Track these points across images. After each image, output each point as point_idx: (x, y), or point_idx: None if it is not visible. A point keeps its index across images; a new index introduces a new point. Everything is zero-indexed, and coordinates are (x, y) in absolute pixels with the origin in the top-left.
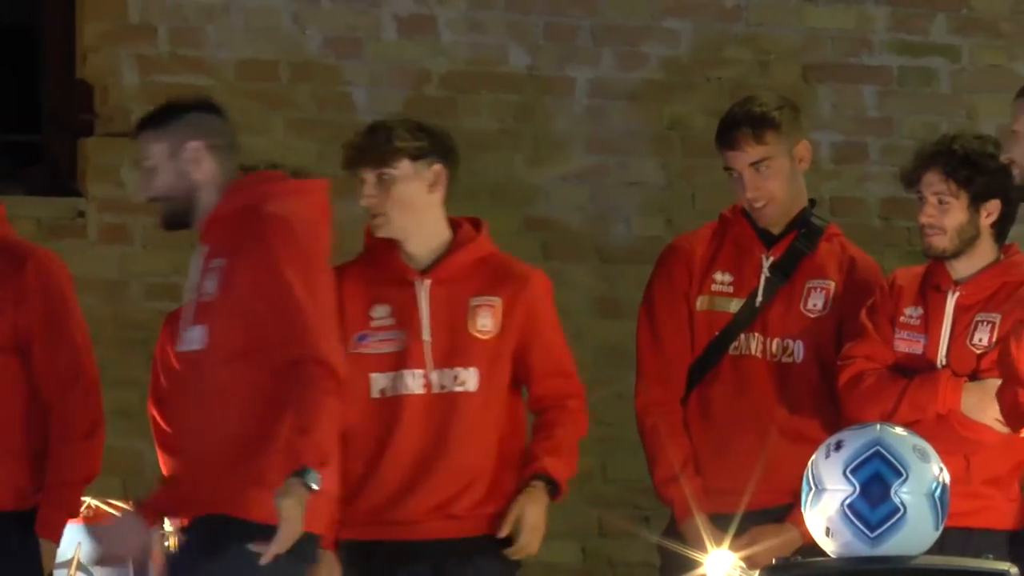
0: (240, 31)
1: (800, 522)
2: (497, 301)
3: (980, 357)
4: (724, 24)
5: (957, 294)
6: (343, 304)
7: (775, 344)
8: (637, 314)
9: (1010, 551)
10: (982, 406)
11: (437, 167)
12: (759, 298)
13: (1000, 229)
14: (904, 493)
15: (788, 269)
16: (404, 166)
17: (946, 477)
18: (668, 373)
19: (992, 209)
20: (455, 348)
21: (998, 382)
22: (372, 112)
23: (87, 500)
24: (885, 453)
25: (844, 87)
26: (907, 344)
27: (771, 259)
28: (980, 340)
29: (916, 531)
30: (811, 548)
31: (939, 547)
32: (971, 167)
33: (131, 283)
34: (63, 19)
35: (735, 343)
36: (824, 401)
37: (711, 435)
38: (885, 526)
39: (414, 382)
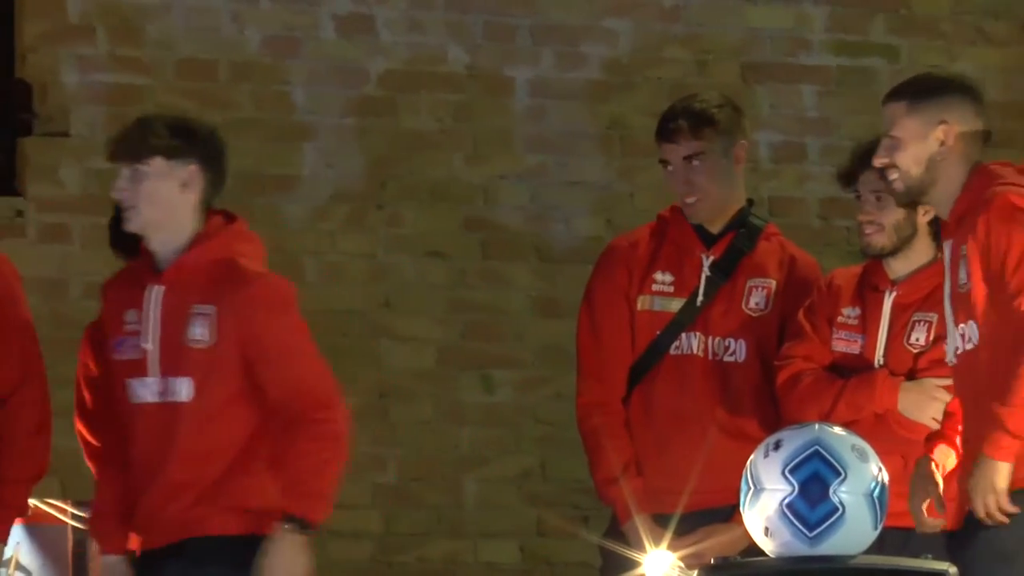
0: (179, 31)
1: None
2: (212, 310)
3: (917, 356)
4: (664, 24)
5: (894, 294)
6: (105, 307)
7: (716, 343)
8: (577, 314)
9: (948, 551)
10: (920, 405)
11: (192, 167)
12: (700, 297)
13: (937, 227)
14: (843, 493)
15: (728, 268)
16: (157, 163)
17: (885, 477)
18: (609, 373)
19: (928, 208)
20: (173, 357)
21: (936, 381)
22: (311, 112)
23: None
24: (824, 453)
25: (783, 87)
26: (845, 344)
27: (711, 258)
28: (917, 340)
29: (855, 531)
30: (754, 548)
31: (878, 547)
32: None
33: (71, 282)
34: (2, 19)
35: (676, 342)
36: (765, 400)
37: (652, 435)
38: (824, 526)
39: (144, 390)
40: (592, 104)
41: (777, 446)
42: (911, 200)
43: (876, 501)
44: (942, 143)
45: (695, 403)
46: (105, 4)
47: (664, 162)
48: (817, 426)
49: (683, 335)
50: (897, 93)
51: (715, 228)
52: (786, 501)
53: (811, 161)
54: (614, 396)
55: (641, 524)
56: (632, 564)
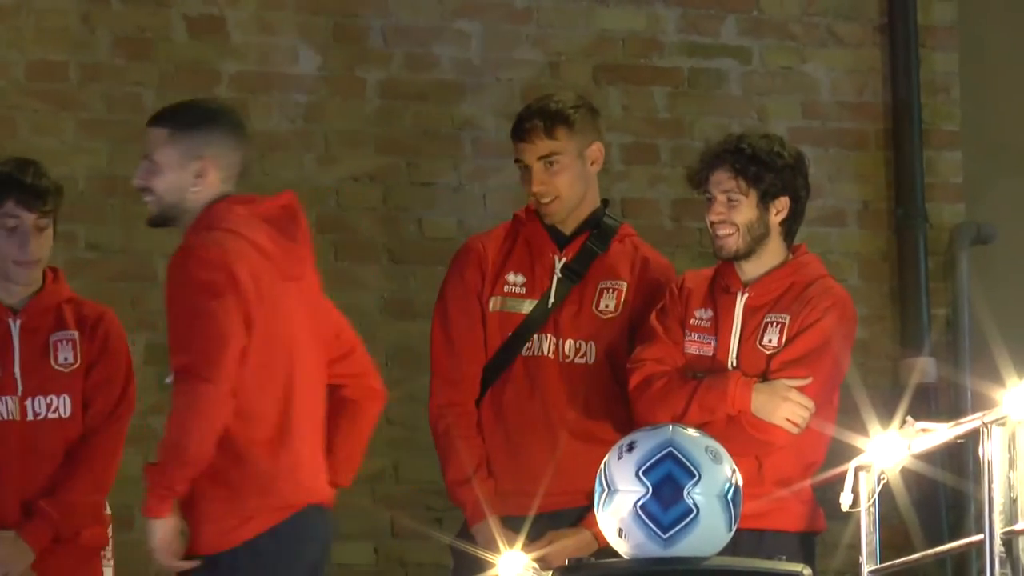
0: (30, 32)
1: (594, 524)
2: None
3: (770, 358)
4: (515, 25)
5: (746, 295)
6: None
7: (567, 345)
8: (430, 315)
9: (801, 552)
10: (772, 407)
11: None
12: (551, 299)
13: (789, 227)
14: (697, 494)
15: (580, 270)
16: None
17: (739, 479)
18: (461, 374)
19: (781, 207)
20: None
21: (788, 382)
22: None
23: None
24: (677, 454)
25: (635, 88)
26: (697, 346)
27: (563, 260)
28: (770, 341)
29: (709, 532)
30: (607, 551)
31: (732, 548)
32: (760, 165)
33: None
34: None
35: (528, 344)
36: (616, 402)
37: (504, 436)
38: (678, 527)
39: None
40: (443, 105)
41: (631, 447)
42: (162, 223)
43: (730, 503)
44: (198, 176)
45: (545, 405)
46: None
47: (519, 162)
48: (671, 428)
49: (535, 337)
50: (159, 119)
51: (568, 229)
52: (640, 502)
53: (663, 162)
54: (467, 398)
55: (492, 526)
56: (485, 565)
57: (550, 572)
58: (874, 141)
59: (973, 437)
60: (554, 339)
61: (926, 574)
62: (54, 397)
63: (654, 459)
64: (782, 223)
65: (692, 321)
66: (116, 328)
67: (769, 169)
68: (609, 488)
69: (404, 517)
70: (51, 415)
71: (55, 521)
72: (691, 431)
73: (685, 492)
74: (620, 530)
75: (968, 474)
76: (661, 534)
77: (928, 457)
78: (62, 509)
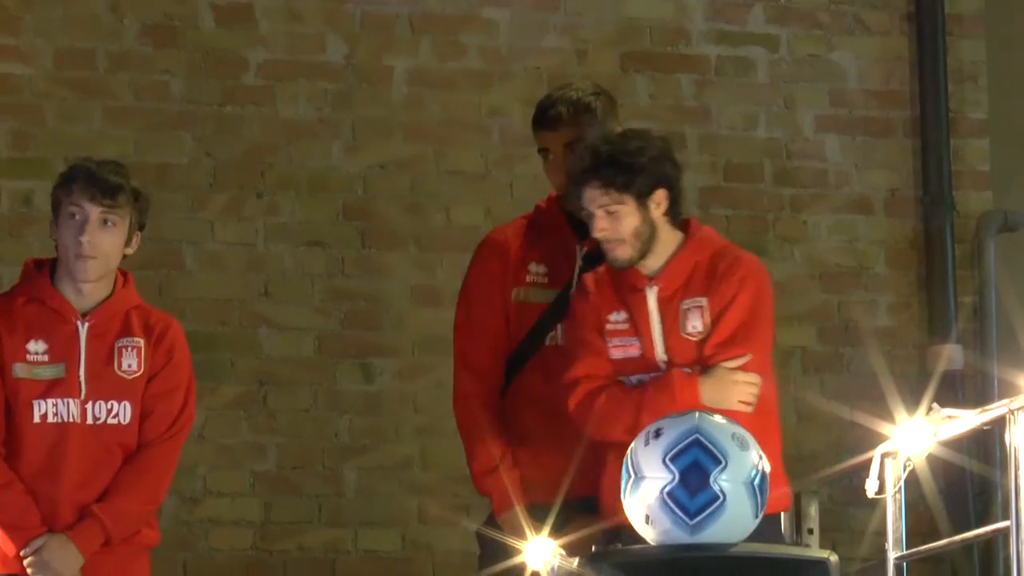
0: (57, 20)
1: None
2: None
3: (700, 344)
4: (542, 14)
5: (655, 288)
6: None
7: None
8: (455, 303)
9: (766, 535)
10: (722, 394)
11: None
12: (573, 288)
13: (674, 212)
14: (723, 481)
15: (602, 259)
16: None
17: (766, 466)
18: (485, 365)
19: (660, 199)
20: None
21: (728, 364)
22: (190, 101)
23: None
24: (704, 441)
25: (662, 77)
26: (622, 350)
27: (584, 249)
28: (694, 327)
29: (735, 519)
30: (631, 535)
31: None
32: (626, 169)
33: None
34: None
35: (552, 333)
36: None
37: (528, 426)
38: (704, 514)
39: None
40: (470, 94)
41: (658, 434)
42: None
43: (756, 489)
44: None
45: None
46: None
47: (543, 150)
48: (698, 415)
49: (559, 327)
50: None
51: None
52: (667, 489)
53: (690, 151)
54: (491, 388)
55: (519, 514)
56: (512, 552)
57: (576, 559)
58: (901, 129)
59: (999, 424)
60: None
61: (952, 561)
62: (115, 403)
63: (681, 446)
64: (666, 213)
65: (608, 326)
66: (181, 339)
67: (635, 170)
68: (636, 475)
69: (431, 504)
70: (111, 420)
71: (107, 527)
72: (718, 418)
73: (711, 479)
74: (647, 516)
75: (994, 461)
76: (688, 520)
77: (954, 444)
78: (114, 516)
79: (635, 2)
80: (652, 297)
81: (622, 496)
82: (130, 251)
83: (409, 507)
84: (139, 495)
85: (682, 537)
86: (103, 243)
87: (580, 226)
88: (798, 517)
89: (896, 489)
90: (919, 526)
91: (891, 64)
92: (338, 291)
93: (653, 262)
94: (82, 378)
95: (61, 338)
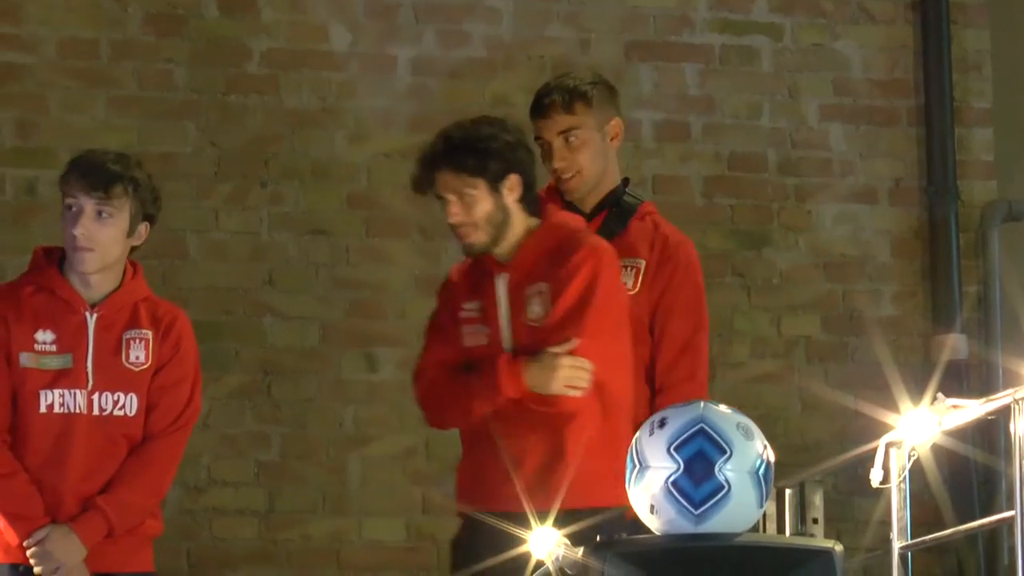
0: (60, 9)
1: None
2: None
3: (541, 330)
4: (546, 2)
5: (505, 276)
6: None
7: None
8: None
9: (626, 528)
10: (545, 379)
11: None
12: None
13: (527, 198)
14: (728, 470)
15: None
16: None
17: (770, 455)
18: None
19: (513, 185)
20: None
21: (553, 350)
22: (194, 90)
23: None
24: (709, 430)
25: (666, 65)
26: (473, 338)
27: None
28: (536, 314)
29: (740, 508)
30: (636, 524)
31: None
32: (478, 154)
33: None
34: None
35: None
36: (639, 380)
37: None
38: (709, 503)
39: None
40: (474, 82)
41: (662, 424)
42: None
43: (762, 479)
44: None
45: None
46: None
47: (539, 139)
48: (702, 404)
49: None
50: None
51: (588, 208)
52: (671, 479)
53: (694, 140)
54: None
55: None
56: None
57: (581, 549)
58: (905, 118)
59: (1004, 414)
60: None
61: (957, 550)
62: (122, 394)
63: (685, 435)
64: (520, 199)
65: (462, 315)
66: (188, 332)
67: (488, 155)
68: (640, 464)
69: (435, 494)
70: (117, 412)
71: (110, 519)
72: (722, 407)
73: (716, 468)
74: (652, 506)
75: (999, 451)
76: (693, 510)
77: (959, 434)
78: (118, 508)
79: None
80: (502, 284)
81: (627, 486)
82: (137, 242)
83: (414, 496)
84: (143, 487)
85: (687, 527)
86: (99, 235)
87: (580, 215)
88: (803, 507)
89: (901, 479)
90: (924, 516)
91: (895, 53)
92: (342, 280)
93: (506, 249)
94: (89, 369)
95: (69, 328)
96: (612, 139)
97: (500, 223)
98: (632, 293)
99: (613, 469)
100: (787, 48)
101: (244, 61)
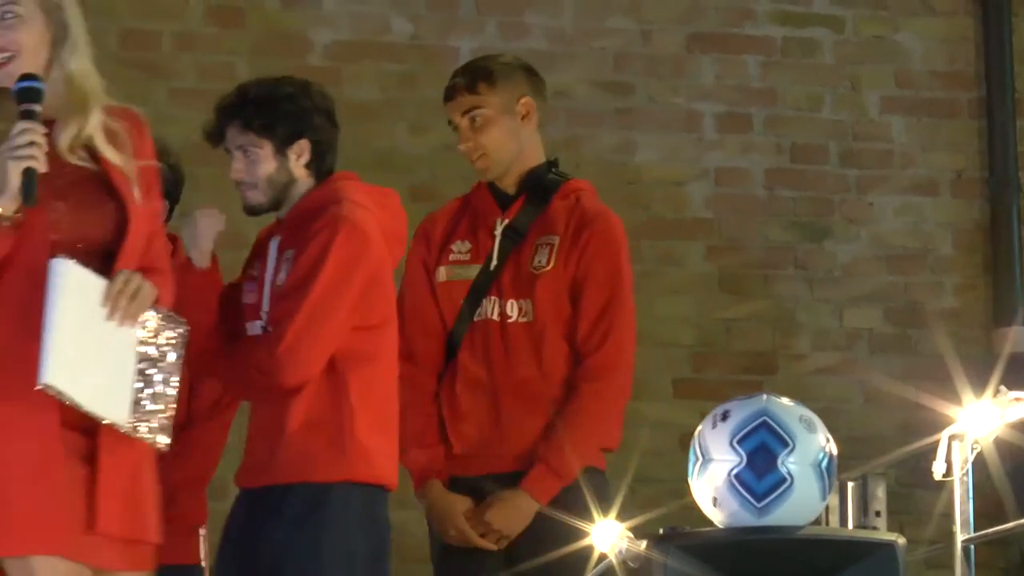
0: (122, 1)
1: (530, 488)
2: None
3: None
4: None
5: (278, 239)
6: None
7: (510, 306)
8: None
9: (315, 503)
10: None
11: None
12: (494, 261)
13: (318, 168)
14: (791, 463)
15: (521, 229)
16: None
17: (833, 448)
18: (414, 349)
19: (301, 150)
20: None
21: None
22: None
23: None
24: (772, 423)
25: (727, 57)
26: (248, 296)
27: (505, 221)
28: (282, 279)
29: (803, 501)
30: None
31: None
32: (270, 114)
33: None
34: None
35: (479, 309)
36: (559, 359)
37: (455, 402)
38: (772, 496)
39: None
40: None
41: (725, 416)
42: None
43: (824, 472)
44: None
45: (490, 368)
46: None
47: (451, 124)
48: (765, 397)
49: (483, 301)
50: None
51: (512, 189)
52: (734, 472)
53: (755, 131)
54: (422, 371)
55: (433, 489)
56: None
57: (644, 542)
58: (967, 110)
59: None
60: (498, 301)
61: (1020, 543)
62: None
63: (748, 428)
64: (307, 166)
65: (246, 276)
66: None
67: (280, 116)
68: (703, 457)
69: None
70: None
71: None
72: (785, 400)
73: (779, 461)
74: (714, 499)
75: None
76: (755, 503)
77: (1022, 426)
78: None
79: None
80: (273, 247)
81: (689, 478)
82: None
83: None
84: (185, 474)
85: (749, 520)
86: None
87: (504, 198)
88: (865, 499)
89: (963, 471)
90: (986, 508)
91: (956, 45)
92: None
93: (285, 212)
94: None
95: None
96: (524, 117)
97: (281, 187)
98: (547, 270)
99: (335, 443)
100: (848, 40)
101: (305, 53)
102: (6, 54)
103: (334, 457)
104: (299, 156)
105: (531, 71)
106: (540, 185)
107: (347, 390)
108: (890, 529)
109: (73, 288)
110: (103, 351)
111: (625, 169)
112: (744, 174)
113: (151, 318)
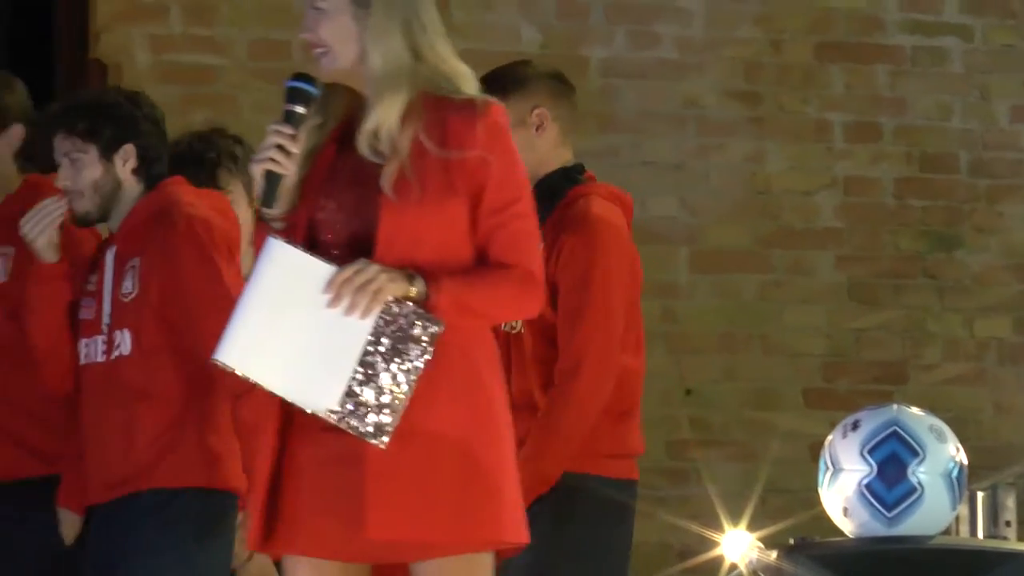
0: (252, 10)
1: None
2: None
3: (133, 306)
4: (737, 3)
5: (114, 248)
6: None
7: None
8: (654, 293)
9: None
10: None
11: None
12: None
13: (147, 171)
14: (921, 473)
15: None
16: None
17: (963, 457)
18: None
19: (127, 155)
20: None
21: None
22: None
23: None
24: (902, 433)
25: (857, 67)
26: (84, 311)
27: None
28: (127, 289)
29: (933, 511)
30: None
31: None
32: (93, 119)
33: None
34: None
35: None
36: (543, 365)
37: None
38: (902, 506)
39: None
40: (666, 83)
41: (855, 426)
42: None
43: (955, 481)
44: None
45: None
46: None
47: None
48: (895, 406)
49: None
50: None
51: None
52: (864, 481)
53: (885, 141)
54: None
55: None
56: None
57: (775, 552)
58: None
59: None
60: None
61: None
62: None
63: (879, 438)
64: (134, 171)
65: (85, 288)
66: None
67: (104, 121)
68: (834, 467)
69: None
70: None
71: None
72: (915, 410)
73: (909, 471)
74: (845, 509)
75: None
76: (886, 513)
77: None
78: None
79: None
80: (110, 257)
81: (819, 488)
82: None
83: None
84: None
85: (880, 529)
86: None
87: None
88: (995, 509)
89: None
90: None
91: None
92: None
93: (118, 221)
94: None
95: None
96: (538, 128)
97: (109, 194)
98: None
99: (181, 449)
100: (978, 49)
101: None
102: (320, 49)
103: (180, 462)
104: (125, 161)
105: (551, 77)
106: (548, 192)
107: (198, 396)
108: (1021, 539)
109: (282, 270)
110: (314, 338)
111: (755, 178)
112: (874, 183)
113: (395, 312)
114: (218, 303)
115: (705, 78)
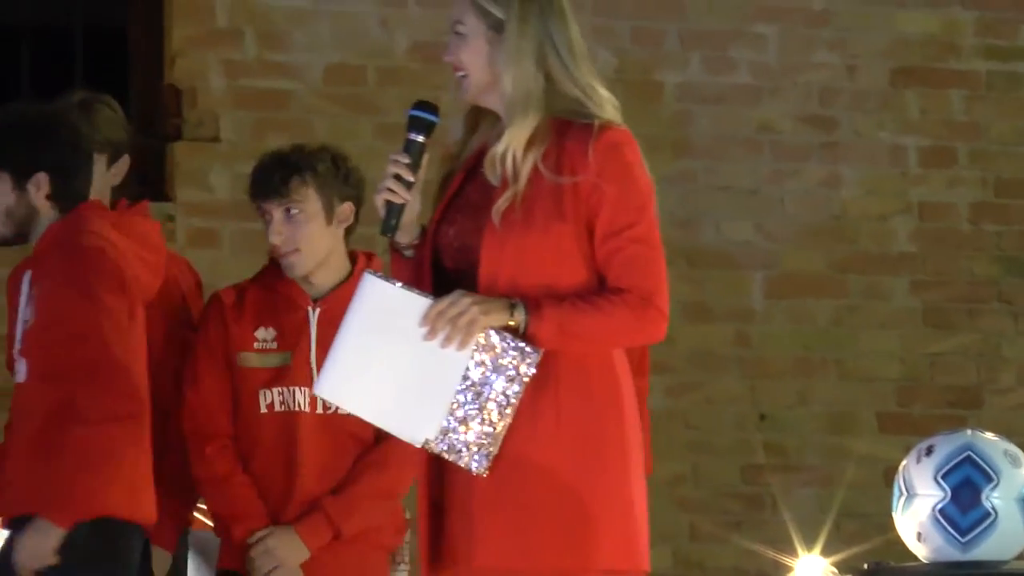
0: (327, 36)
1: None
2: None
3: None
4: (812, 29)
5: (29, 271)
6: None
7: None
8: (728, 319)
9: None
10: None
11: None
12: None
13: (64, 193)
14: (995, 498)
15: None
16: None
17: None
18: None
19: (40, 182)
20: None
21: None
22: (459, 116)
23: None
24: (976, 458)
25: (932, 91)
26: None
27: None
28: (27, 315)
29: (1007, 536)
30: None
31: None
32: (3, 146)
33: (220, 287)
34: (151, 23)
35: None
36: None
37: None
38: (976, 531)
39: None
40: (741, 108)
41: (929, 451)
42: None
43: None
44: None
45: None
46: (253, 9)
47: None
48: (969, 432)
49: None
50: None
51: None
52: (938, 507)
53: (961, 166)
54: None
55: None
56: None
57: None
58: None
59: None
60: None
61: None
62: None
63: (952, 463)
64: (48, 198)
65: None
66: None
67: (11, 150)
68: (908, 492)
69: (703, 521)
70: (342, 411)
71: (334, 521)
72: (989, 435)
73: (983, 496)
74: (919, 534)
75: None
76: (959, 538)
77: None
78: (344, 509)
79: (905, 16)
80: (26, 281)
81: (893, 512)
82: (346, 224)
83: (680, 524)
84: (373, 489)
85: (954, 554)
86: (296, 236)
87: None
88: None
89: None
90: None
91: None
92: None
93: (34, 243)
94: (313, 366)
95: (291, 326)
96: None
97: (23, 219)
98: None
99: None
100: None
101: None
102: (460, 72)
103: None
104: (39, 189)
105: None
106: None
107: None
108: None
109: (375, 303)
110: (412, 369)
111: (830, 203)
112: (949, 208)
113: (494, 343)
114: (89, 335)
115: (780, 103)
